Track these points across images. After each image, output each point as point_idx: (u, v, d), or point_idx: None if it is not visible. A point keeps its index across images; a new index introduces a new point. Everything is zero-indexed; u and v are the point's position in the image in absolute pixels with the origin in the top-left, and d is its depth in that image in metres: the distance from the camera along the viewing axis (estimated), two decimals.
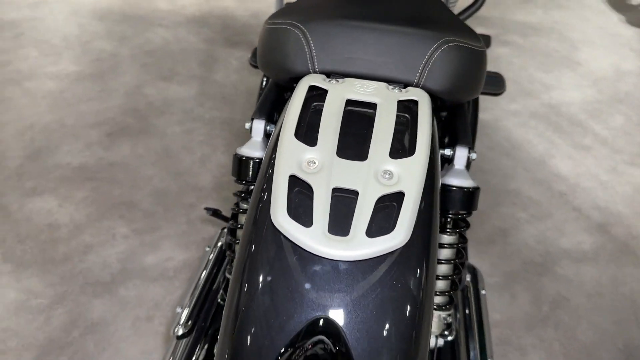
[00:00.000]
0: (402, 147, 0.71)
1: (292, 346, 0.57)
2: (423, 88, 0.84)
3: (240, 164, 0.92)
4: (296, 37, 0.85)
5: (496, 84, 1.83)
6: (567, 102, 2.63)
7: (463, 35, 0.90)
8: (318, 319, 0.59)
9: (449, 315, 1.02)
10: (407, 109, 0.78)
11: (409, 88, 0.82)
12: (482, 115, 2.49)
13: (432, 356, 1.03)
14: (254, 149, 0.91)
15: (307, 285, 0.60)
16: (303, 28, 0.85)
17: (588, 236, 1.90)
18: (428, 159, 0.69)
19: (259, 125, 0.92)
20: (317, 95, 0.79)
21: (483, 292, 1.25)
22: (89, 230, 1.85)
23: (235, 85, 2.67)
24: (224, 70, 2.79)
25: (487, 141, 2.33)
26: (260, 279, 0.62)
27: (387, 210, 0.64)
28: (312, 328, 0.58)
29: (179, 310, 1.15)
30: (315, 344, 0.56)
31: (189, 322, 1.09)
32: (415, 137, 0.72)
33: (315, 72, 0.85)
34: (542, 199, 2.05)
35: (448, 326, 1.12)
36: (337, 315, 0.59)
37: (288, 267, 0.61)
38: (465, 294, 1.23)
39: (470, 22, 3.21)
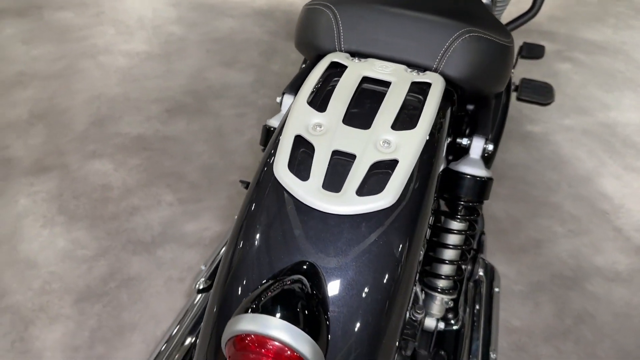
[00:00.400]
0: (406, 121, 0.75)
1: (274, 279, 0.63)
2: (441, 74, 0.88)
3: (267, 134, 0.99)
4: (327, 17, 0.91)
5: (544, 94, 1.82)
6: (624, 123, 2.56)
7: (489, 28, 0.93)
8: (302, 262, 0.65)
9: (452, 300, 1.05)
10: (421, 90, 0.82)
11: (427, 72, 0.86)
12: (533, 128, 2.46)
13: (431, 338, 1.06)
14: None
15: (297, 232, 0.66)
16: (334, 9, 0.91)
17: (625, 257, 1.86)
18: (428, 134, 0.74)
19: (288, 100, 0.99)
20: (337, 71, 0.85)
21: (497, 289, 1.27)
22: (137, 195, 1.98)
23: (291, 76, 2.77)
24: (282, 61, 2.89)
25: (535, 153, 2.31)
26: (257, 222, 0.69)
27: (380, 174, 0.69)
28: (295, 268, 0.64)
29: (203, 267, 1.23)
30: (294, 281, 0.62)
31: (210, 279, 1.17)
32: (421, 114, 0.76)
33: (340, 50, 0.91)
34: (583, 216, 2.01)
35: (454, 313, 1.15)
36: (320, 262, 0.65)
37: (282, 215, 0.68)
38: (478, 289, 1.25)
39: (534, 36, 3.17)
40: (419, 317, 0.93)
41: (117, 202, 1.95)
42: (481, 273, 1.22)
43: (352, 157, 0.70)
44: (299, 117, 0.75)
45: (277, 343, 0.55)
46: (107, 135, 2.26)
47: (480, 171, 0.97)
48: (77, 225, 1.84)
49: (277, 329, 0.55)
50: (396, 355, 0.96)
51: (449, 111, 0.88)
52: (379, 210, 0.66)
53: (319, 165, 0.69)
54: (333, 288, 0.64)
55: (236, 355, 0.56)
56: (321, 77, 0.83)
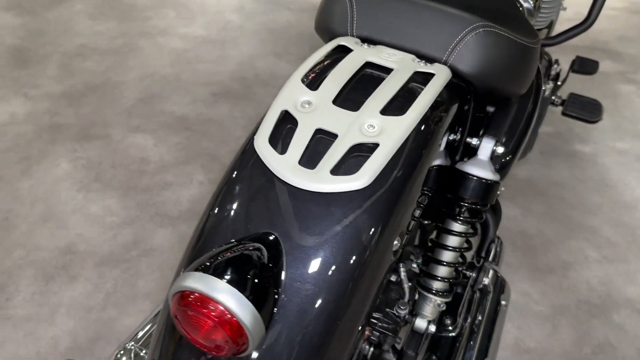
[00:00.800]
0: (397, 108, 0.74)
1: (232, 244, 0.63)
2: (450, 67, 0.85)
3: None
4: (343, 2, 0.91)
5: (591, 111, 1.74)
6: None
7: (510, 25, 0.90)
8: (267, 234, 0.65)
9: (445, 303, 1.02)
10: (424, 80, 0.80)
11: (435, 64, 0.84)
12: (582, 147, 2.35)
13: (421, 340, 1.04)
14: None
15: (266, 204, 0.66)
16: None
17: None
18: (418, 123, 0.72)
19: None
20: (342, 55, 0.84)
21: (504, 302, 1.22)
22: (172, 171, 2.04)
23: None
24: None
25: (579, 173, 2.20)
26: (232, 189, 0.69)
27: (359, 157, 0.68)
28: (258, 238, 0.64)
29: None
30: (251, 249, 0.61)
31: None
32: None
33: (352, 35, 0.90)
34: (621, 243, 1.91)
35: (452, 319, 1.11)
36: (284, 235, 0.64)
37: (255, 185, 0.68)
38: (484, 299, 1.21)
39: (597, 54, 3.03)
40: (403, 313, 0.91)
41: (152, 176, 2.01)
42: (487, 282, 1.18)
43: (335, 136, 0.70)
44: (289, 93, 0.75)
45: (219, 306, 0.55)
46: (152, 112, 2.34)
47: (486, 173, 0.94)
48: (111, 194, 1.91)
49: (220, 291, 0.55)
50: (370, 347, 0.94)
51: (454, 106, 0.85)
52: (351, 191, 0.65)
53: (299, 141, 0.69)
54: (293, 263, 0.64)
55: (177, 310, 0.57)
56: (324, 58, 0.83)
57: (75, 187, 1.93)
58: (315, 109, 0.72)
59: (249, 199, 0.68)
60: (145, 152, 2.12)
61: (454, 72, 0.86)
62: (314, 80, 0.78)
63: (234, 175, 0.71)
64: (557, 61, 1.77)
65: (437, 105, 0.80)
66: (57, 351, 1.44)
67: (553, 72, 1.77)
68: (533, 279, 1.75)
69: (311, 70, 0.80)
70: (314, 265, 0.64)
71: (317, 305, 0.63)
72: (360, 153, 0.68)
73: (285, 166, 0.67)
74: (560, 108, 1.76)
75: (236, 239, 0.65)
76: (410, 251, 1.08)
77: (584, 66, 1.92)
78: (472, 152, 0.97)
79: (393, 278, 0.98)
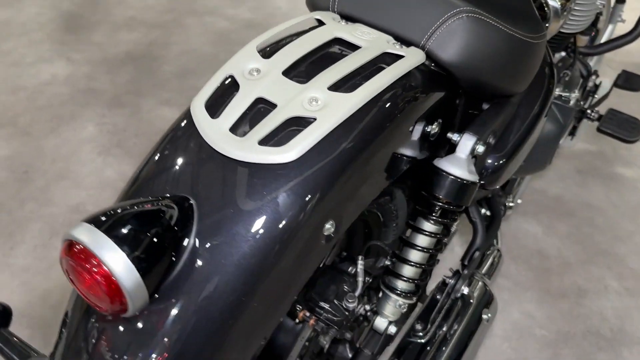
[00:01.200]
0: (350, 86, 0.69)
1: (151, 199, 0.61)
2: (428, 53, 0.80)
3: None
4: None
5: (629, 130, 1.61)
6: None
7: (508, 16, 0.83)
8: (184, 198, 0.62)
9: (407, 304, 0.96)
10: (391, 62, 0.75)
11: (411, 48, 0.79)
12: (624, 170, 2.19)
13: (379, 340, 0.98)
14: None
15: (187, 167, 0.64)
16: None
17: None
18: (364, 103, 0.67)
19: None
20: (313, 28, 0.80)
21: (486, 317, 1.14)
22: None
23: None
24: None
25: (615, 197, 2.05)
26: (162, 149, 0.68)
27: (293, 131, 0.64)
28: (174, 200, 0.61)
29: None
30: (161, 209, 0.59)
31: None
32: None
33: (333, 11, 0.86)
34: None
35: (423, 325, 1.05)
36: (198, 201, 0.62)
37: (182, 147, 0.66)
38: (463, 309, 1.13)
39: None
40: (351, 306, 0.87)
41: None
42: (466, 292, 1.11)
43: (274, 107, 0.66)
44: (239, 58, 0.72)
45: (100, 263, 0.53)
46: (185, 87, 2.37)
47: (462, 172, 0.88)
48: (128, 160, 1.95)
49: (102, 247, 0.53)
50: (327, 342, 0.90)
51: (432, 95, 0.79)
52: (276, 164, 0.62)
53: (235, 107, 0.66)
54: (203, 231, 0.61)
55: (62, 259, 0.55)
56: (290, 29, 0.79)
57: (97, 150, 1.98)
58: (262, 78, 0.69)
59: (174, 161, 0.65)
60: (168, 124, 2.14)
61: (433, 59, 0.80)
62: (271, 50, 0.75)
63: (167, 137, 0.69)
64: (595, 72, 1.65)
65: (406, 90, 0.75)
66: (47, 304, 1.48)
67: (590, 84, 1.65)
68: (541, 301, 1.64)
69: (272, 38, 0.76)
70: (225, 237, 0.61)
71: (221, 280, 0.60)
72: (295, 127, 0.65)
73: (214, 131, 0.64)
74: (596, 124, 1.64)
75: (153, 194, 0.63)
76: (381, 247, 1.03)
77: (629, 81, 1.77)
78: (452, 147, 0.91)
79: (351, 270, 0.93)
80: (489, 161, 1.00)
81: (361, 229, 1.09)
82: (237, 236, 0.61)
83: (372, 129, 0.69)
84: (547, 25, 1.17)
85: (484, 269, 1.28)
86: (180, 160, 0.65)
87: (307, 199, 0.63)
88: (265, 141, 0.63)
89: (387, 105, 0.71)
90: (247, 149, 0.62)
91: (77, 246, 0.54)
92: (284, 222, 0.62)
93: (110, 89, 2.30)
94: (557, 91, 1.37)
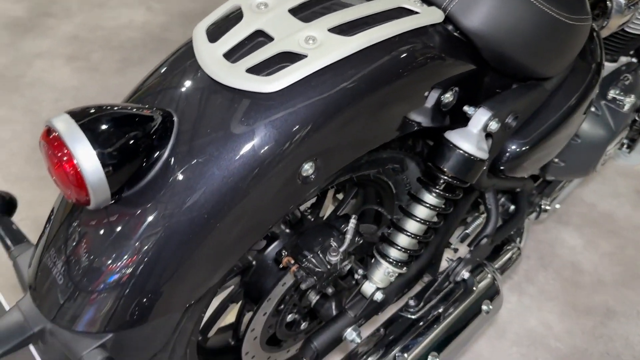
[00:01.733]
0: (351, 31, 0.69)
1: (136, 105, 0.65)
2: (450, 17, 0.77)
3: None
4: None
5: None
6: None
7: None
8: (169, 113, 0.65)
9: (396, 273, 0.95)
10: (405, 16, 0.74)
11: (432, 7, 0.77)
12: None
13: (364, 305, 0.98)
14: None
15: (179, 84, 0.67)
16: None
17: None
18: (359, 50, 0.67)
19: None
20: None
21: (485, 308, 1.11)
22: None
23: None
24: None
25: None
26: (162, 66, 0.72)
27: (283, 65, 0.64)
28: (160, 112, 0.64)
29: None
30: (143, 116, 0.61)
31: None
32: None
33: None
34: None
35: (416, 302, 1.04)
36: (180, 117, 0.64)
37: (179, 66, 0.69)
38: (463, 295, 1.10)
39: None
40: (333, 260, 0.87)
41: None
42: (466, 276, 1.08)
43: (271, 40, 0.67)
44: None
45: (70, 152, 0.56)
46: None
47: (471, 147, 0.85)
48: None
49: (73, 137, 0.56)
50: (315, 297, 0.92)
51: (450, 62, 0.77)
52: (258, 92, 0.63)
53: (234, 35, 0.68)
54: (178, 146, 0.63)
55: (40, 141, 0.59)
56: None
57: None
58: (267, 12, 0.70)
59: (166, 78, 0.69)
60: None
61: (455, 23, 0.78)
62: None
63: (169, 56, 0.72)
64: None
65: (416, 47, 0.73)
66: None
67: None
68: (564, 314, 1.56)
69: None
70: (200, 156, 0.63)
71: (190, 197, 0.62)
72: (286, 62, 0.65)
73: (208, 54, 0.66)
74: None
75: (139, 106, 0.66)
76: (381, 213, 1.02)
77: None
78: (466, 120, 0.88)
79: (343, 228, 0.93)
80: (511, 147, 0.97)
81: (372, 196, 1.08)
82: (212, 158, 0.63)
83: (372, 78, 0.69)
84: (607, 19, 1.10)
85: (498, 264, 1.24)
86: (172, 78, 0.68)
87: (285, 133, 0.63)
88: (254, 70, 0.64)
89: (392, 57, 0.70)
90: (234, 75, 0.64)
91: (53, 133, 0.58)
92: (259, 152, 0.63)
93: (181, 40, 2.38)
94: (612, 93, 1.29)
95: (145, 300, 0.64)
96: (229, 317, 1.10)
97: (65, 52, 2.43)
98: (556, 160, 1.29)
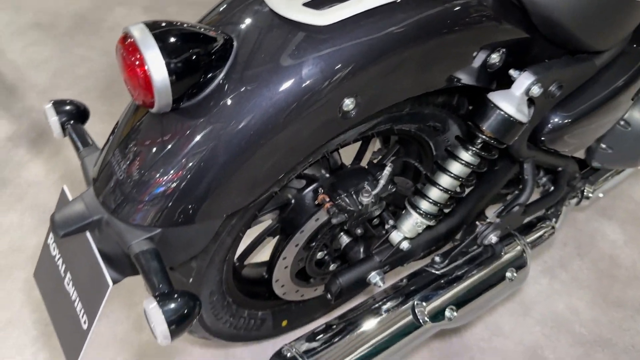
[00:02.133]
0: None
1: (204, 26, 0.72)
2: None
3: None
4: None
5: None
6: None
7: None
8: (230, 38, 0.71)
9: (424, 224, 0.99)
10: None
11: None
12: None
13: (389, 251, 1.03)
14: None
15: (241, 13, 0.74)
16: None
17: None
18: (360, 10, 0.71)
19: None
20: None
21: (509, 275, 1.13)
22: None
23: None
24: None
25: None
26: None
27: (344, 6, 0.70)
28: (223, 35, 0.71)
29: None
30: (212, 36, 0.69)
31: None
32: None
33: None
34: None
35: (442, 259, 1.08)
36: (239, 43, 0.71)
37: None
38: (491, 259, 1.13)
39: None
40: (365, 201, 0.92)
41: None
42: (494, 241, 1.10)
43: None
44: None
45: (142, 56, 0.64)
46: None
47: (511, 109, 0.88)
48: None
49: (146, 44, 0.64)
50: (346, 239, 0.97)
51: (500, 25, 0.80)
52: (310, 24, 0.69)
53: None
54: (234, 69, 0.70)
55: (117, 46, 0.68)
56: None
57: None
58: None
59: (232, 6, 0.75)
60: None
61: None
62: None
63: None
64: None
65: (475, 9, 0.77)
66: None
67: None
68: (594, 303, 1.56)
69: None
70: (251, 80, 0.69)
71: (239, 117, 0.69)
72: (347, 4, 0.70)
73: None
74: None
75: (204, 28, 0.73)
76: (419, 172, 1.06)
77: None
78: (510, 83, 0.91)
79: (378, 174, 0.98)
80: (553, 118, 0.99)
81: (412, 153, 1.12)
82: (262, 83, 0.69)
83: (422, 26, 0.73)
84: None
85: (530, 239, 1.26)
86: (237, 8, 0.75)
87: (333, 66, 0.69)
88: (311, 4, 0.70)
89: (444, 9, 0.74)
90: (291, 7, 0.70)
91: (129, 39, 0.66)
92: (306, 81, 0.69)
93: None
94: None
95: (192, 203, 0.72)
96: (265, 255, 1.17)
97: (144, 4, 2.56)
98: (603, 146, 1.28)
